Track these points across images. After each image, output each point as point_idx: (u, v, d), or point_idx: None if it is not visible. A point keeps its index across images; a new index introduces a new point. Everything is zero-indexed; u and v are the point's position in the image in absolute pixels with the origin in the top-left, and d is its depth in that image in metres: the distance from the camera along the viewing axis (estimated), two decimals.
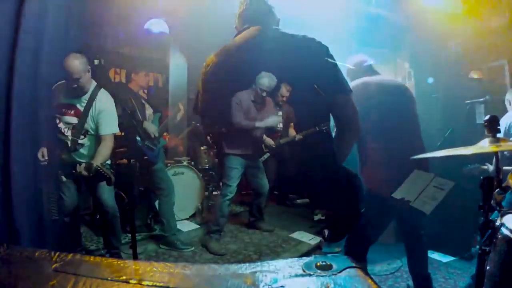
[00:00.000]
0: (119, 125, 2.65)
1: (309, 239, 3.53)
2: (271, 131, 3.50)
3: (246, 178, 3.49)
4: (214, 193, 4.39)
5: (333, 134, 2.11)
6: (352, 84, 2.22)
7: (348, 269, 0.82)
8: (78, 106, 2.54)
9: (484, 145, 1.49)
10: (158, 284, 0.80)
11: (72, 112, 2.54)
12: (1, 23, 1.77)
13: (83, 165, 2.41)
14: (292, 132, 3.65)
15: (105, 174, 2.31)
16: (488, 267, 1.32)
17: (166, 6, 4.21)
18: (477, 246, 1.40)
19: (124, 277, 0.83)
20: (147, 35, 4.36)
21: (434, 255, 3.26)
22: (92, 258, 1.00)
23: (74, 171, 2.42)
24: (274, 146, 3.47)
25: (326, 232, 2.36)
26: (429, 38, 3.83)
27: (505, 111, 2.81)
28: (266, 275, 0.82)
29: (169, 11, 4.23)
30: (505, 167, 2.52)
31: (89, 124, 2.56)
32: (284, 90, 3.56)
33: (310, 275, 0.81)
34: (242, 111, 3.03)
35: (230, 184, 3.24)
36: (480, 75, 3.81)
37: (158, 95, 4.78)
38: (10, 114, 1.83)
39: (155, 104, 3.55)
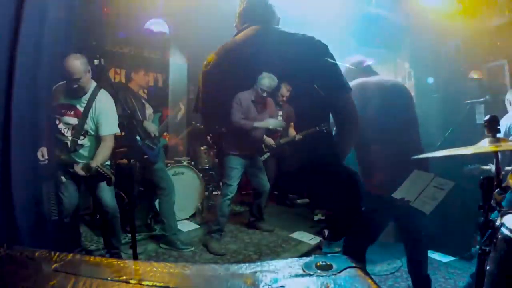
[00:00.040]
0: (119, 125, 2.65)
1: (309, 239, 3.53)
2: (271, 131, 3.50)
3: (247, 178, 3.49)
4: (214, 193, 4.39)
5: (333, 132, 2.12)
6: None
7: (348, 269, 0.82)
8: (78, 106, 2.54)
9: (484, 145, 1.49)
10: (158, 284, 0.80)
11: (72, 112, 2.54)
12: (1, 24, 1.77)
13: (80, 164, 2.42)
14: (292, 132, 3.65)
15: (105, 174, 2.31)
16: (488, 267, 1.32)
17: (166, 6, 4.21)
18: (477, 246, 1.40)
19: (124, 277, 0.83)
20: (147, 35, 4.37)
21: (434, 255, 3.26)
22: (92, 258, 1.00)
23: (70, 170, 2.43)
24: (274, 145, 3.47)
25: (326, 232, 2.36)
26: (429, 38, 3.83)
27: (505, 111, 2.81)
28: (266, 275, 0.82)
29: (169, 11, 4.23)
30: (506, 167, 2.52)
31: (89, 125, 2.56)
32: (284, 90, 3.56)
33: (310, 275, 0.81)
34: (242, 110, 3.03)
35: (230, 183, 3.25)
36: (480, 75, 3.82)
37: (158, 95, 4.78)
38: (10, 114, 1.83)
39: (155, 104, 3.56)
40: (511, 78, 3.53)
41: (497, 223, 1.32)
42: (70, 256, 0.94)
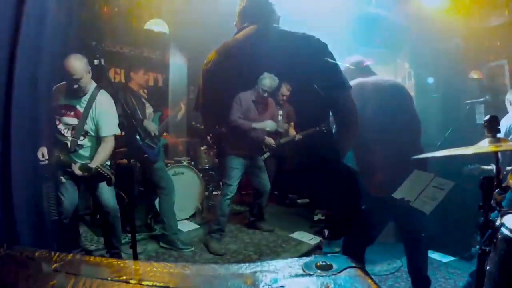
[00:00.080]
0: (119, 125, 2.64)
1: (309, 239, 3.53)
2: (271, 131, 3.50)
3: (247, 178, 3.49)
4: (214, 193, 4.39)
5: (333, 130, 2.12)
6: None
7: (348, 269, 0.82)
8: (78, 107, 2.54)
9: (484, 145, 1.49)
10: (158, 284, 0.80)
11: (72, 113, 2.54)
12: (1, 24, 1.77)
13: (78, 164, 2.42)
14: (292, 131, 3.65)
15: (105, 174, 2.31)
16: (488, 267, 1.32)
17: (166, 6, 4.21)
18: (477, 246, 1.40)
19: (124, 277, 0.83)
20: (147, 35, 4.37)
21: (434, 255, 3.26)
22: (92, 258, 1.00)
23: (69, 170, 2.43)
24: (274, 145, 3.47)
25: (326, 232, 2.36)
26: (429, 38, 3.83)
27: (505, 111, 2.81)
28: (266, 275, 0.82)
29: (169, 11, 4.24)
30: (507, 167, 2.52)
31: (89, 125, 2.56)
32: (285, 89, 3.56)
33: (310, 275, 0.81)
34: (241, 110, 3.03)
35: (230, 183, 3.25)
36: (480, 75, 3.82)
37: (158, 95, 4.78)
38: (10, 114, 1.83)
39: (155, 104, 3.56)
40: (511, 78, 3.53)
41: (497, 223, 1.32)
42: (70, 256, 0.94)
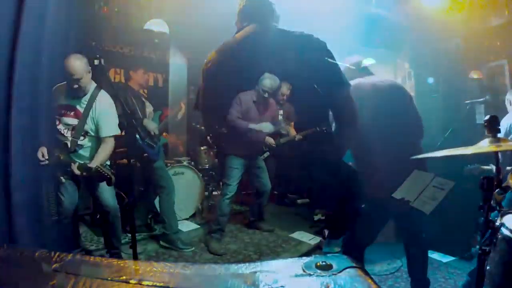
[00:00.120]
0: (119, 124, 2.64)
1: (309, 239, 3.53)
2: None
3: (247, 178, 3.50)
4: (214, 193, 4.39)
5: (333, 128, 2.12)
6: None
7: (348, 269, 0.82)
8: (78, 107, 2.54)
9: (484, 145, 1.49)
10: (158, 284, 0.80)
11: (72, 113, 2.54)
12: (1, 24, 1.77)
13: (77, 164, 2.42)
14: (292, 131, 3.65)
15: (105, 174, 2.31)
16: (488, 267, 1.32)
17: (166, 6, 4.22)
18: (477, 246, 1.41)
19: (124, 277, 0.82)
20: (147, 35, 4.37)
21: (434, 255, 3.26)
22: (92, 258, 1.00)
23: (68, 169, 2.43)
24: (274, 145, 3.48)
25: (326, 232, 2.36)
26: (429, 38, 3.83)
27: (505, 111, 2.81)
28: (266, 275, 0.82)
29: (169, 11, 4.24)
30: (507, 168, 2.52)
31: (89, 125, 2.56)
32: (285, 89, 3.57)
33: (310, 275, 0.81)
34: (240, 110, 3.03)
35: (230, 183, 3.25)
36: (480, 75, 3.82)
37: (158, 95, 4.78)
38: (10, 115, 1.83)
39: (155, 104, 3.56)
40: (511, 78, 3.53)
41: (497, 223, 1.32)
42: (70, 256, 0.94)
